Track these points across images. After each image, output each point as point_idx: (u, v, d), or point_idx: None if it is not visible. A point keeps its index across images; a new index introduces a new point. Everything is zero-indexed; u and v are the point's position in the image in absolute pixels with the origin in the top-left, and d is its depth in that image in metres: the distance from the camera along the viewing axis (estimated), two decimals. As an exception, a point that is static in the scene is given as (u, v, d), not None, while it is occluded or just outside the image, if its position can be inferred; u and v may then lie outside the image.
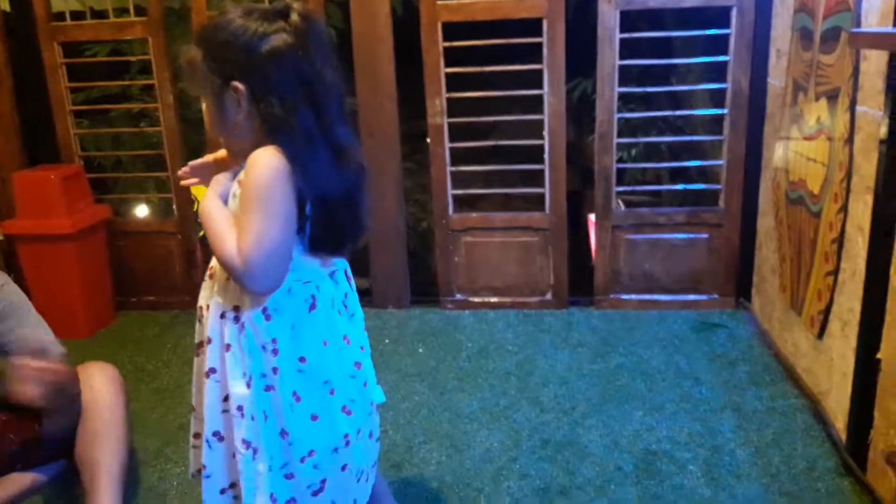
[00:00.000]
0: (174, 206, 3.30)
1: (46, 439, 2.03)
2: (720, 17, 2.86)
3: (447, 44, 2.98)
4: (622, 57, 2.91)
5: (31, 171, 3.15)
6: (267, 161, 1.27)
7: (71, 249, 3.04)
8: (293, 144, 1.28)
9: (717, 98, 3.01)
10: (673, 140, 3.37)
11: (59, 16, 3.16)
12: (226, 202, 1.37)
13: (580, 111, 3.80)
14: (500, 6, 2.92)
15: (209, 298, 1.42)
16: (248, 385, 1.36)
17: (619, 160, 3.13)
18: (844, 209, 2.05)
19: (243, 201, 1.30)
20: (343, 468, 1.46)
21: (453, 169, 3.12)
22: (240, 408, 1.37)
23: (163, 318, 3.27)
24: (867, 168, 1.91)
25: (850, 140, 2.02)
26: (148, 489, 2.10)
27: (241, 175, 1.33)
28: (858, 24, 1.98)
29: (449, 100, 3.04)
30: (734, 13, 2.82)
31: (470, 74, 3.01)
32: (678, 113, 3.10)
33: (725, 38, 2.86)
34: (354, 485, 1.50)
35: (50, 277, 3.04)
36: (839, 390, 2.08)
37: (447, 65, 3.01)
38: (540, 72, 2.96)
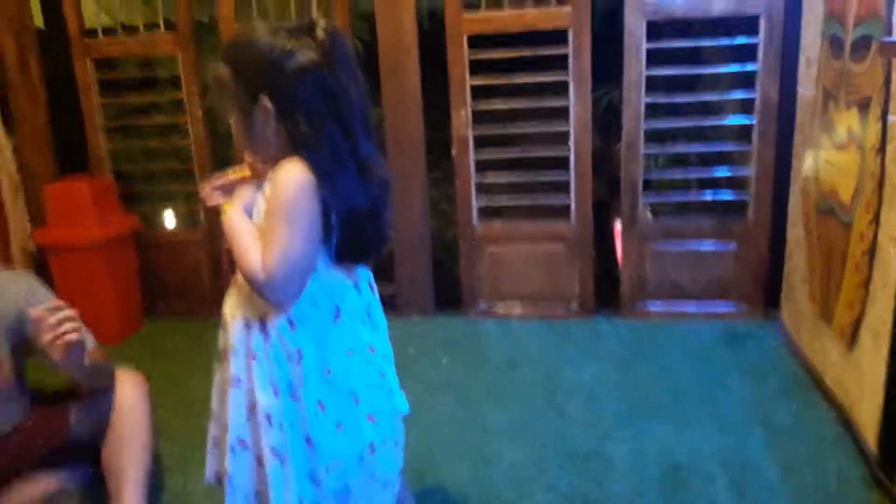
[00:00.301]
0: (202, 217, 3.35)
1: (74, 444, 2.06)
2: (748, 25, 2.83)
3: (473, 56, 2.99)
4: (649, 66, 2.89)
5: (62, 182, 3.21)
6: (293, 176, 1.28)
7: (101, 259, 3.09)
8: (320, 160, 1.29)
9: (745, 107, 2.98)
10: (701, 150, 3.34)
11: (92, 32, 3.22)
12: (250, 215, 1.38)
13: (607, 120, 3.78)
14: (526, 17, 2.92)
15: (234, 307, 1.44)
16: (276, 394, 1.38)
17: (646, 169, 3.11)
18: (876, 220, 2.01)
19: (269, 215, 1.32)
20: (369, 476, 1.47)
21: (478, 180, 3.12)
22: (268, 416, 1.38)
23: (191, 328, 3.30)
24: (899, 178, 1.88)
25: (881, 150, 1.98)
26: (173, 495, 2.12)
27: (266, 188, 1.34)
28: (890, 33, 1.95)
29: (474, 110, 3.04)
30: (763, 21, 2.79)
31: (495, 85, 3.01)
32: (706, 123, 3.07)
33: (754, 46, 2.84)
34: (380, 492, 1.51)
35: (80, 286, 3.08)
36: (870, 402, 2.05)
37: (472, 74, 3.01)
38: (566, 82, 2.95)
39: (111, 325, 3.14)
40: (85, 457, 2.08)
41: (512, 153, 3.14)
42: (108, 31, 3.24)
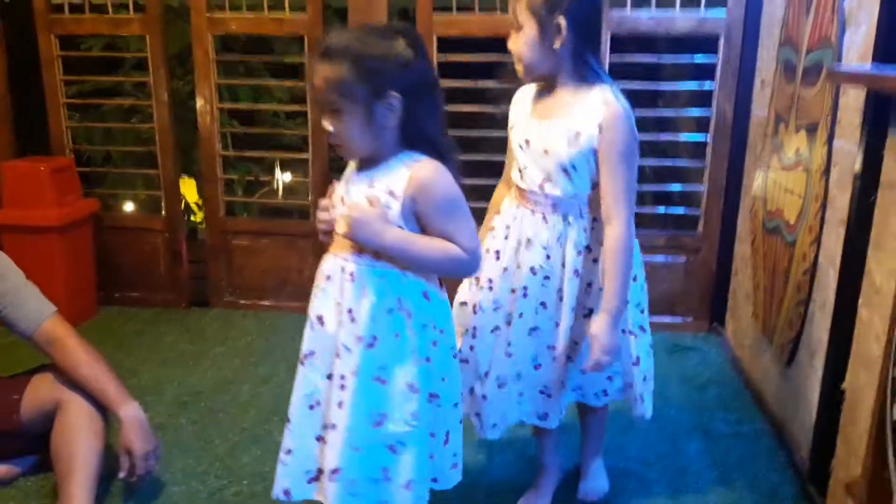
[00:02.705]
0: (162, 204, 3.32)
1: (25, 432, 2.04)
2: (708, 44, 2.91)
3: (441, 58, 3.01)
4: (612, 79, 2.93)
5: (20, 161, 3.16)
6: (442, 176, 1.46)
7: (57, 242, 3.05)
8: (437, 146, 1.49)
9: (701, 124, 3.06)
10: (655, 164, 3.42)
11: (58, 7, 3.17)
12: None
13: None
14: (495, 22, 2.95)
15: (332, 307, 1.52)
16: (416, 363, 1.52)
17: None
18: (818, 240, 2.09)
19: (445, 213, 1.47)
20: (460, 421, 1.65)
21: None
22: (410, 385, 1.51)
23: (145, 315, 3.28)
24: (841, 201, 1.95)
25: (826, 172, 2.06)
26: (121, 484, 2.10)
27: (398, 188, 1.45)
28: (839, 61, 2.03)
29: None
30: (722, 42, 2.87)
31: (461, 89, 3.04)
32: (661, 137, 3.13)
33: (712, 66, 2.91)
34: (461, 440, 1.67)
35: (34, 269, 3.00)
36: (804, 418, 2.13)
37: (441, 77, 3.03)
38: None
39: (64, 311, 3.08)
40: (34, 445, 2.07)
41: (477, 157, 3.17)
42: (74, 7, 3.18)
